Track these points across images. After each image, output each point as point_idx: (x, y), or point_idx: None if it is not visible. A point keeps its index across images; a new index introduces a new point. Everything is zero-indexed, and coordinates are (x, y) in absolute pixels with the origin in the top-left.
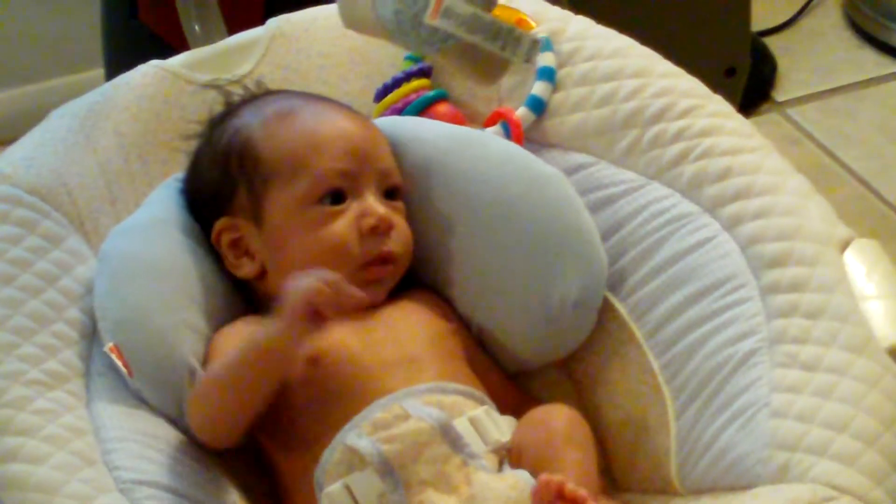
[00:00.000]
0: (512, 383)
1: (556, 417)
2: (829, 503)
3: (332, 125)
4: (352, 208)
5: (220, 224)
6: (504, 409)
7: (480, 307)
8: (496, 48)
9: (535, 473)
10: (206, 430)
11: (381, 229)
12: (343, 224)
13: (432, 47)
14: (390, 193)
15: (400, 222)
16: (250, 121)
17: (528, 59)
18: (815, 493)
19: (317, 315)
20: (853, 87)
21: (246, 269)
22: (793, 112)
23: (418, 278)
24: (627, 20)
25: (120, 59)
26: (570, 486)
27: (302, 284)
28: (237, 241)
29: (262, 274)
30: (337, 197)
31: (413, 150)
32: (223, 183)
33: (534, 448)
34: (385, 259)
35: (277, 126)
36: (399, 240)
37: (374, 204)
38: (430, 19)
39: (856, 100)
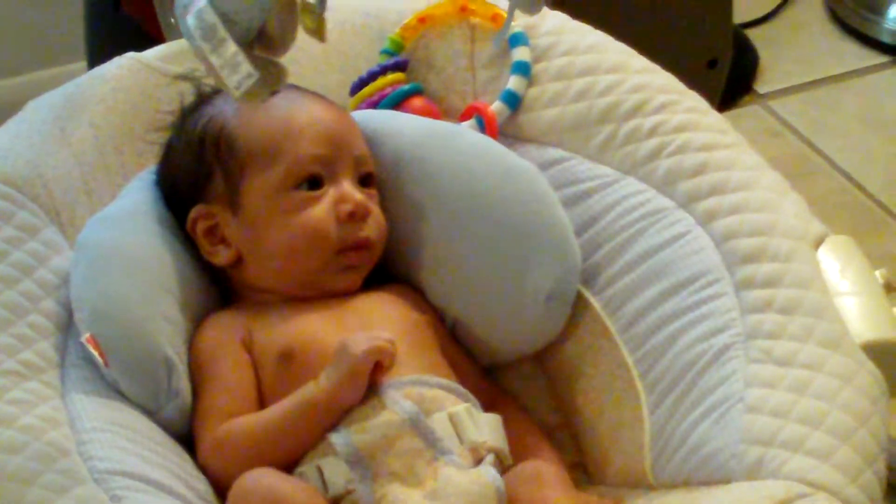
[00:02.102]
0: (487, 377)
1: (547, 479)
2: (804, 499)
3: (308, 112)
4: (329, 194)
5: (195, 211)
6: (479, 401)
7: (454, 299)
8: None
9: None
10: (231, 480)
11: (358, 215)
12: (321, 209)
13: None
14: (364, 181)
15: (375, 209)
16: (224, 108)
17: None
18: (790, 489)
19: (376, 370)
20: (835, 79)
21: (222, 257)
22: (775, 104)
23: (392, 271)
24: (609, 13)
25: (103, 51)
26: None
27: (364, 342)
28: (212, 229)
29: (238, 261)
30: (314, 182)
31: (388, 143)
32: (198, 170)
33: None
34: (361, 245)
35: (253, 113)
36: (374, 226)
37: (351, 190)
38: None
39: (838, 92)
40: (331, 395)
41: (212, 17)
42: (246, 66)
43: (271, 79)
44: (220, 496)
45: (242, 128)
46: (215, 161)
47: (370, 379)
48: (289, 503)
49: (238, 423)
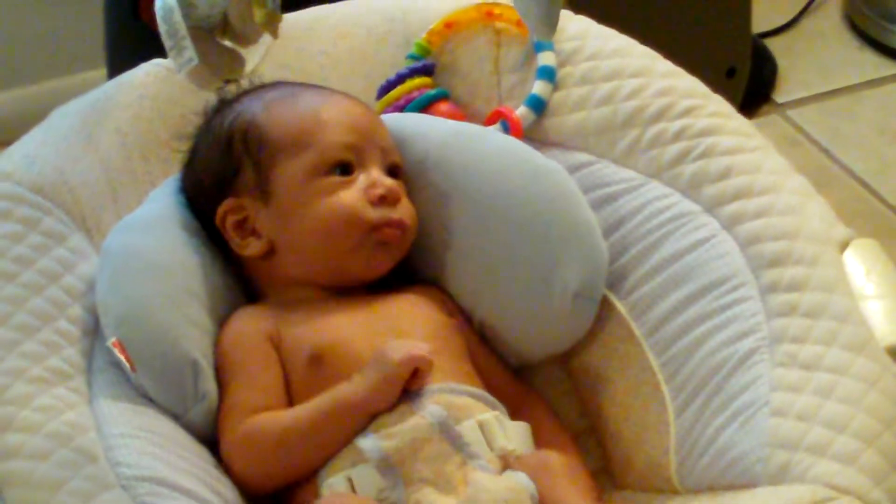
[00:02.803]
0: (514, 378)
1: (556, 460)
2: (829, 503)
3: (335, 104)
4: (360, 179)
5: (224, 205)
6: (508, 404)
7: (481, 299)
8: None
9: None
10: (257, 479)
11: (390, 199)
12: (353, 193)
13: None
14: (392, 172)
15: (405, 198)
16: (251, 105)
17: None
18: (815, 494)
19: (411, 378)
20: (853, 88)
21: (253, 248)
22: (792, 113)
23: (419, 272)
24: (628, 20)
25: (122, 58)
26: None
27: (403, 350)
28: (242, 222)
29: (270, 253)
30: (345, 168)
31: (414, 145)
32: (226, 165)
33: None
34: (395, 223)
35: (280, 106)
36: (407, 211)
37: (381, 176)
38: None
39: (855, 101)
40: (365, 398)
41: (172, 1)
42: (189, 51)
43: (226, 67)
44: (242, 496)
45: (271, 120)
46: (244, 154)
47: (408, 386)
48: None
49: (266, 418)
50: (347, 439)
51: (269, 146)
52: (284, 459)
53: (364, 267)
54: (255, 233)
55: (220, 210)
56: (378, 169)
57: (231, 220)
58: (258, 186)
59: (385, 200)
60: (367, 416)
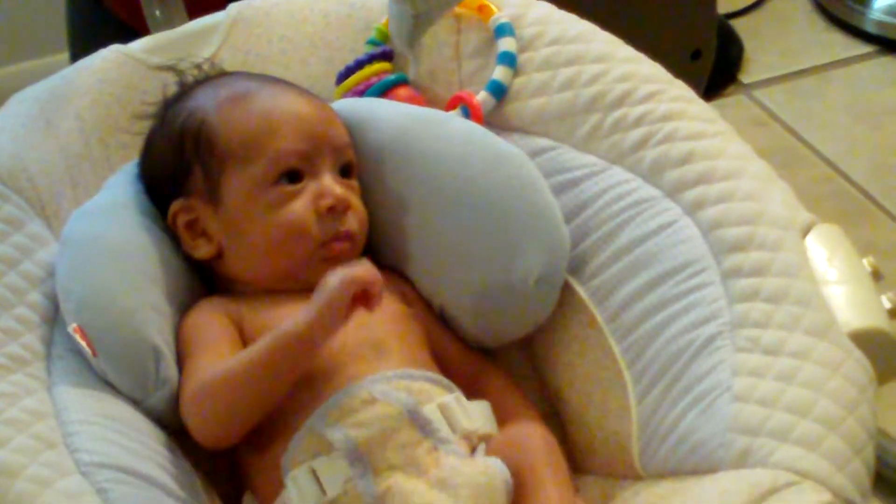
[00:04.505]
0: (476, 356)
1: (534, 438)
2: (791, 488)
3: (287, 107)
4: (309, 188)
5: (175, 206)
6: (469, 382)
7: (441, 286)
8: None
9: (518, 493)
10: (211, 429)
11: (338, 209)
12: (300, 204)
13: None
14: (344, 171)
15: (355, 202)
16: (204, 103)
17: None
18: (777, 478)
19: (355, 303)
20: (820, 69)
21: (203, 251)
22: (759, 94)
23: (379, 259)
24: (592, 3)
25: (84, 43)
26: None
27: (348, 273)
28: (193, 223)
29: (219, 255)
30: (293, 176)
31: (373, 131)
32: (178, 165)
33: (514, 469)
34: (343, 237)
35: (232, 109)
36: (355, 219)
37: (330, 184)
38: None
39: (822, 81)
40: (308, 326)
41: None
42: None
43: None
44: (210, 480)
45: (222, 125)
46: (194, 157)
47: (366, 308)
48: None
49: (216, 366)
50: (293, 377)
51: (218, 153)
52: (235, 402)
53: (313, 279)
54: (205, 234)
55: (171, 210)
56: (329, 173)
57: (182, 220)
58: (207, 191)
59: (333, 211)
60: (316, 349)
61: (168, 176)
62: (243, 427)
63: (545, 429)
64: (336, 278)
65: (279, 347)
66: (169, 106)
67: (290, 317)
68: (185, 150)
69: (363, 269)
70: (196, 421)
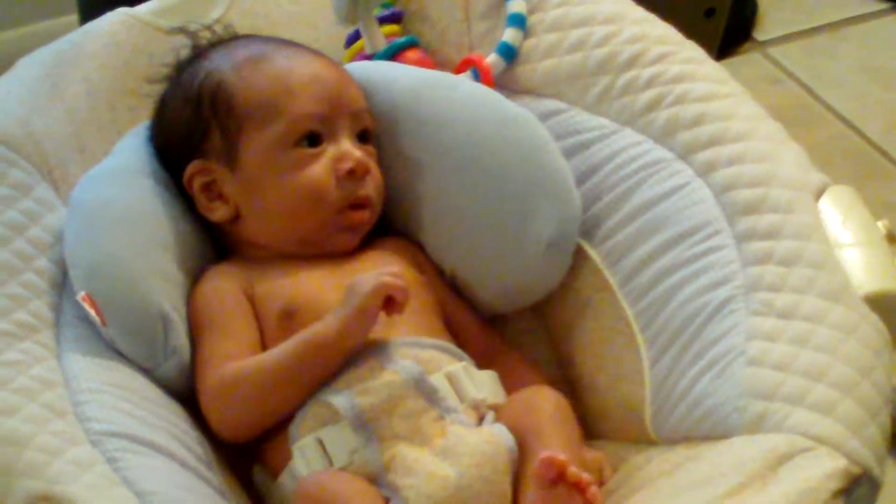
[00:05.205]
0: (488, 328)
1: (544, 401)
2: (806, 453)
3: (305, 69)
4: (328, 152)
5: (192, 167)
6: (481, 354)
7: (453, 251)
8: None
9: (524, 457)
10: (234, 426)
11: (358, 173)
12: (320, 168)
13: None
14: (362, 136)
15: (373, 167)
16: (222, 64)
17: None
18: (792, 443)
19: (388, 306)
20: (835, 25)
21: (219, 213)
22: (774, 51)
23: (390, 224)
24: None
25: (92, 6)
26: (574, 470)
27: (372, 279)
28: (210, 185)
29: (236, 218)
30: (313, 139)
31: (383, 94)
32: (194, 126)
33: (522, 432)
34: (361, 204)
35: (250, 70)
36: (373, 185)
37: (350, 148)
38: None
39: (837, 39)
40: (339, 332)
41: None
42: None
43: None
44: (220, 449)
45: (240, 84)
46: (212, 118)
47: (387, 313)
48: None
49: (243, 364)
50: (322, 380)
51: (236, 113)
52: (262, 403)
53: (329, 245)
54: (221, 197)
55: (188, 171)
56: (347, 138)
57: (198, 182)
58: (225, 152)
59: (353, 175)
60: (344, 353)
61: (183, 138)
62: (266, 424)
63: (557, 393)
64: (369, 285)
65: (309, 351)
66: (183, 68)
67: (303, 287)
68: (202, 111)
69: (394, 278)
70: (219, 417)
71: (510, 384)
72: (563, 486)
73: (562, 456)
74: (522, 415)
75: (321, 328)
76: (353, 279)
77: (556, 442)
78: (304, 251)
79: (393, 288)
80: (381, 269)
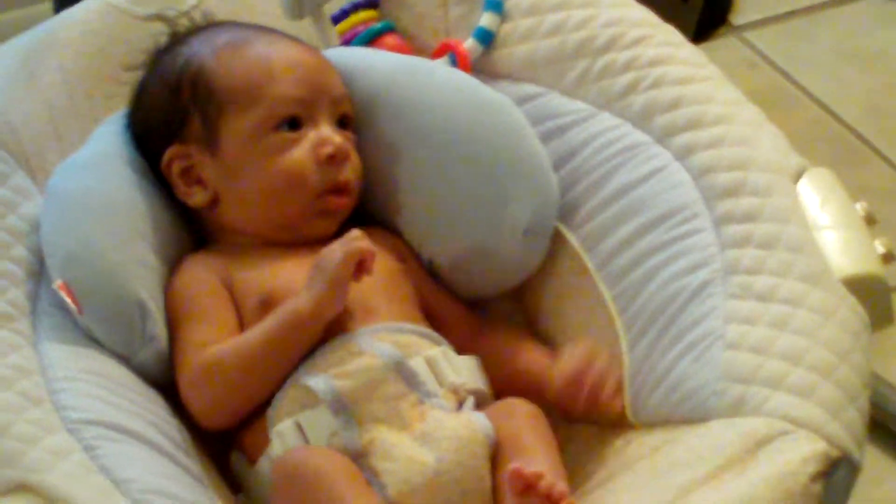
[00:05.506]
0: (470, 314)
1: (521, 408)
2: (785, 437)
3: (286, 54)
4: (308, 136)
5: (170, 152)
6: (464, 339)
7: (432, 237)
8: None
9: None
10: (217, 411)
11: (338, 158)
12: (300, 152)
13: None
14: (342, 122)
15: (353, 153)
16: (201, 50)
17: None
18: (771, 427)
19: (357, 271)
20: (811, 9)
21: (198, 198)
22: (750, 35)
23: (367, 212)
24: None
25: None
26: (545, 483)
27: (339, 248)
28: (188, 170)
29: (215, 203)
30: (293, 124)
31: (361, 80)
32: (174, 111)
33: (501, 437)
34: (341, 189)
35: (230, 55)
36: (352, 171)
37: (330, 133)
38: None
39: (814, 23)
40: (316, 305)
41: None
42: None
43: None
44: (197, 436)
45: (220, 69)
46: (192, 103)
47: (356, 279)
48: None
49: (221, 348)
50: (300, 355)
51: (217, 97)
52: (241, 385)
53: (308, 230)
54: (200, 182)
55: (166, 156)
56: (328, 123)
57: (177, 167)
58: (205, 137)
59: (333, 160)
60: (321, 327)
61: (162, 123)
62: (248, 408)
63: (533, 405)
64: (338, 254)
65: (286, 329)
66: (162, 54)
67: (281, 276)
68: (181, 95)
69: (363, 242)
70: (199, 404)
71: (498, 354)
72: (535, 497)
73: (531, 468)
74: (502, 419)
75: (296, 305)
76: (318, 256)
77: (534, 447)
78: (282, 237)
79: (361, 252)
80: (343, 237)
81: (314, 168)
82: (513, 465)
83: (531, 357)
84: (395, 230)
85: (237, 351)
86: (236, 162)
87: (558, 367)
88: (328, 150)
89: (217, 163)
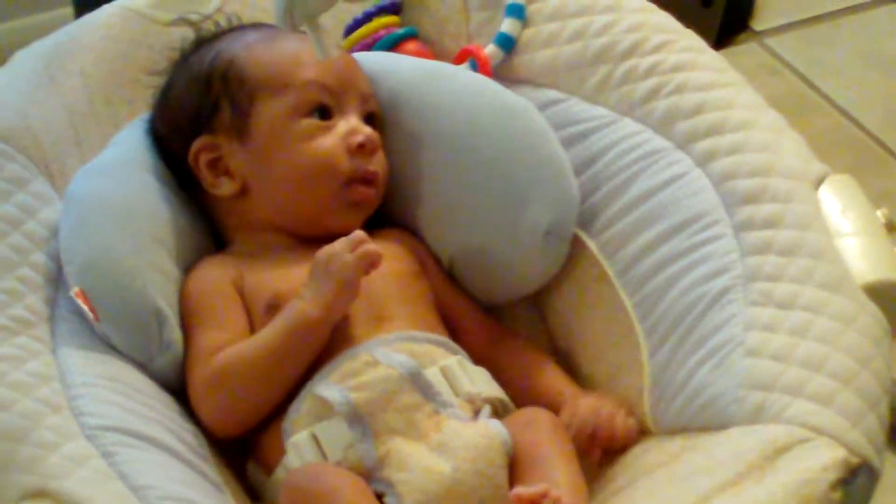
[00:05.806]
0: (488, 318)
1: (542, 418)
2: (805, 444)
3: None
4: (339, 126)
5: (198, 143)
6: (481, 343)
7: (452, 239)
8: None
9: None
10: (228, 418)
11: (368, 148)
12: (331, 139)
13: None
14: (368, 120)
15: (380, 149)
16: (232, 44)
17: None
18: (791, 434)
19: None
20: (832, 15)
21: (225, 189)
22: (771, 41)
23: (388, 214)
24: None
25: None
26: (550, 499)
27: (347, 248)
28: (216, 161)
29: (242, 194)
30: (324, 112)
31: (384, 84)
32: (203, 103)
33: (520, 446)
34: (370, 179)
35: (261, 47)
36: (380, 164)
37: (360, 124)
38: None
39: (835, 28)
40: (325, 311)
41: None
42: None
43: None
44: (215, 443)
45: (252, 59)
46: (223, 92)
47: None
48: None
49: (232, 353)
50: (310, 358)
51: (248, 85)
52: (251, 391)
53: (334, 222)
54: (227, 173)
55: (194, 147)
56: (356, 116)
57: (204, 158)
58: (235, 125)
59: (363, 149)
60: (329, 330)
61: (190, 116)
62: (259, 414)
63: (553, 415)
64: (348, 256)
65: (295, 332)
66: (191, 52)
67: (291, 281)
68: (212, 87)
69: (372, 245)
70: (209, 411)
71: (514, 369)
72: None
73: (532, 490)
74: (521, 428)
75: (304, 308)
76: (322, 251)
77: (553, 457)
78: (305, 231)
79: (373, 254)
80: (346, 238)
81: (344, 156)
82: (514, 491)
83: (549, 383)
84: (416, 231)
85: (244, 357)
86: (267, 148)
87: (571, 422)
88: (359, 138)
89: (247, 151)
